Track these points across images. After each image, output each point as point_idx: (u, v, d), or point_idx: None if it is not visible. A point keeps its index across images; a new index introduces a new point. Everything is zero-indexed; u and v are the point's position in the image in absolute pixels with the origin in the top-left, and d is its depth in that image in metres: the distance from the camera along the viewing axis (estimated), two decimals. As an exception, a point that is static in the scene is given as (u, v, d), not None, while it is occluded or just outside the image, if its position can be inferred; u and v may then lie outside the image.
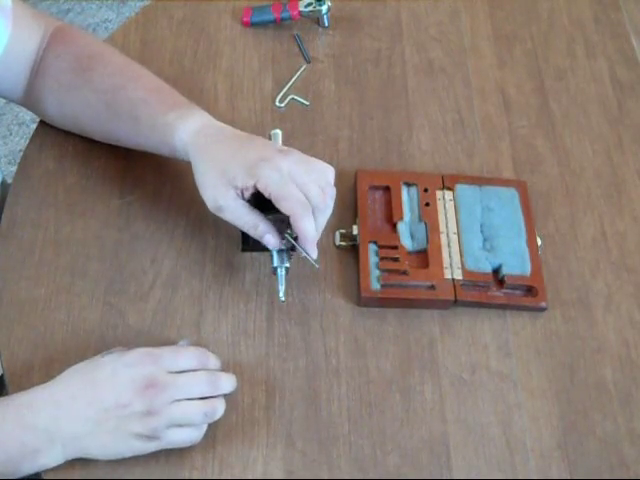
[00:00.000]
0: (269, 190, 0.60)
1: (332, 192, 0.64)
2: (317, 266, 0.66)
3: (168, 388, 0.58)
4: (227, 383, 0.62)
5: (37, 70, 0.72)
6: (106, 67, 0.71)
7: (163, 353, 0.60)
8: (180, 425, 0.59)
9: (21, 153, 0.77)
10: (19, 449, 0.55)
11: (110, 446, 0.58)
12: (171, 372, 0.59)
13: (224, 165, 0.62)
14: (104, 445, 0.57)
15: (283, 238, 0.64)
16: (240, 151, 0.63)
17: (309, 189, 0.61)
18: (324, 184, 0.63)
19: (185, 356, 0.61)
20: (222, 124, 0.67)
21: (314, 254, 0.63)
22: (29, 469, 0.56)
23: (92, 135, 0.75)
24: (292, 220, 0.61)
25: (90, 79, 0.70)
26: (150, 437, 0.57)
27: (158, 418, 0.57)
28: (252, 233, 0.63)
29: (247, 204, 0.63)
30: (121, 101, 0.69)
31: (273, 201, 0.61)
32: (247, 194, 0.62)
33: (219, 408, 0.60)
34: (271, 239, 0.63)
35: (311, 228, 0.61)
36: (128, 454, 0.58)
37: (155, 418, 0.57)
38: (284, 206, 0.60)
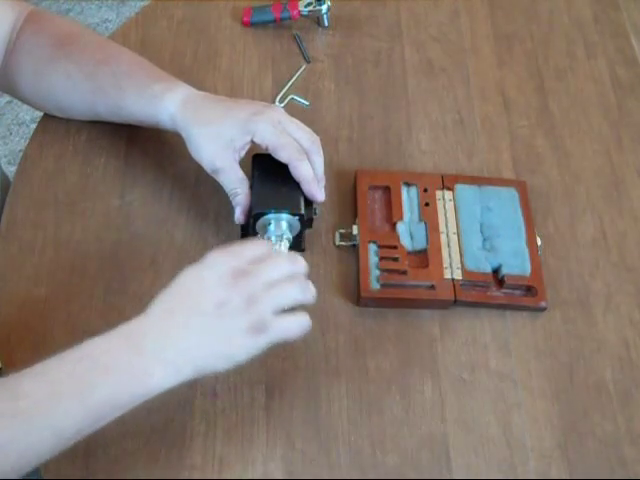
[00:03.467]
0: (266, 142, 0.65)
1: (317, 137, 0.68)
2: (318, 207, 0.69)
3: (257, 273, 0.56)
4: (300, 263, 0.60)
5: (12, 49, 0.72)
6: (87, 43, 0.73)
7: (236, 247, 0.59)
8: (282, 311, 0.56)
9: (21, 153, 0.77)
10: (130, 373, 0.53)
11: (222, 352, 0.55)
12: (250, 262, 0.57)
13: (218, 128, 0.66)
14: (216, 353, 0.55)
15: (252, 223, 0.67)
16: (230, 112, 0.66)
17: (299, 135, 0.66)
18: (307, 129, 0.68)
19: (255, 245, 0.60)
20: (204, 92, 0.70)
21: (319, 196, 0.67)
22: (143, 394, 0.53)
23: (68, 110, 0.75)
24: (291, 167, 0.65)
25: (71, 52, 0.71)
26: (259, 328, 0.55)
27: (260, 304, 0.55)
28: (231, 198, 0.67)
29: (240, 170, 0.66)
30: (104, 73, 0.70)
31: (270, 152, 0.65)
32: (242, 153, 0.66)
33: (309, 285, 0.58)
34: (238, 212, 0.67)
35: (309, 171, 0.66)
36: (243, 356, 0.55)
37: (257, 305, 0.55)
38: (281, 155, 0.65)
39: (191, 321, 0.55)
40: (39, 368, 0.52)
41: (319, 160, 0.67)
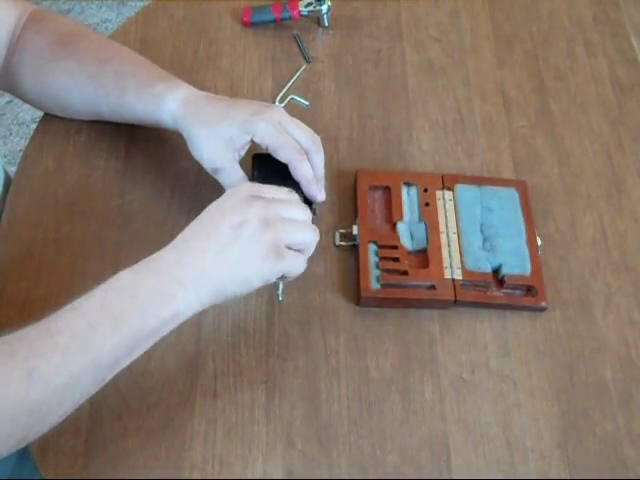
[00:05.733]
0: (266, 142, 0.65)
1: (317, 137, 0.68)
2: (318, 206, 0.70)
3: (273, 202, 0.59)
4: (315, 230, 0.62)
5: (14, 48, 0.72)
6: (90, 43, 0.73)
7: (259, 184, 0.61)
8: (294, 248, 0.59)
9: (21, 153, 0.77)
10: (153, 296, 0.54)
11: (239, 274, 0.57)
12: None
13: (218, 128, 0.66)
14: (233, 275, 0.56)
15: None
16: (230, 112, 0.67)
17: (299, 135, 0.66)
18: (307, 129, 0.67)
19: (279, 189, 0.61)
20: (205, 92, 0.70)
21: (319, 195, 0.67)
22: (169, 318, 0.55)
23: (69, 109, 0.76)
24: (290, 167, 0.65)
25: (73, 51, 0.72)
26: (274, 252, 0.57)
27: (275, 229, 0.57)
28: None
29: (240, 169, 0.67)
30: (106, 73, 0.71)
31: (270, 152, 0.65)
32: (242, 152, 0.67)
33: (317, 231, 0.61)
34: None
35: (309, 171, 0.66)
36: (258, 280, 0.57)
37: (273, 229, 0.57)
38: (281, 155, 0.65)
39: (209, 243, 0.56)
40: (70, 305, 0.53)
41: (319, 160, 0.67)
